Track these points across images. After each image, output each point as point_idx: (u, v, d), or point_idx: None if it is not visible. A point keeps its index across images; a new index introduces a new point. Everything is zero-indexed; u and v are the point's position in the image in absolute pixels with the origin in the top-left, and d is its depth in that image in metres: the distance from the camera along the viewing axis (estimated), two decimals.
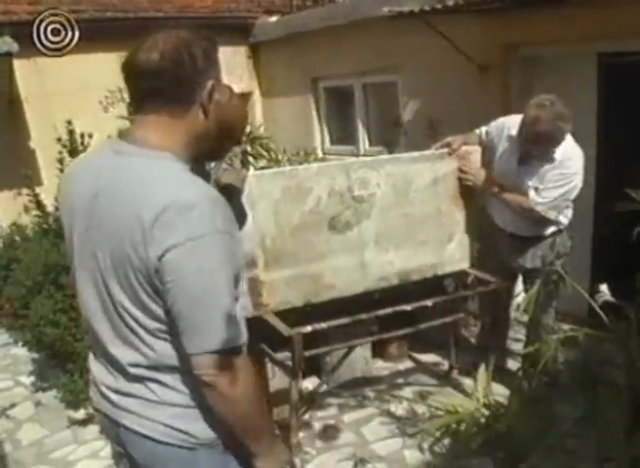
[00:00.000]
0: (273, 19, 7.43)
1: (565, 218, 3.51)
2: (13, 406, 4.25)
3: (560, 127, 3.11)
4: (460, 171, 3.54)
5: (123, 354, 1.53)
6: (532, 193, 3.34)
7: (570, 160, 3.28)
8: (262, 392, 1.57)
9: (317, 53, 6.64)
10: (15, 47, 5.36)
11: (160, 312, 1.44)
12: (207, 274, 1.39)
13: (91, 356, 1.71)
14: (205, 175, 1.60)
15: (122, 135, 1.54)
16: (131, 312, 1.47)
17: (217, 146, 1.61)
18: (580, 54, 4.35)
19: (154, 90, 1.46)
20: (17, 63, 5.78)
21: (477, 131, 3.71)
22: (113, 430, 1.62)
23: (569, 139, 3.27)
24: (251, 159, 5.00)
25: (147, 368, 1.51)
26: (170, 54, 1.44)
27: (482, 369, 2.02)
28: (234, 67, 7.40)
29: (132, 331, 1.49)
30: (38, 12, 5.24)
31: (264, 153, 5.03)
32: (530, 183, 3.35)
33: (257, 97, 7.87)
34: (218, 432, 1.55)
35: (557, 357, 1.80)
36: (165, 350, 1.49)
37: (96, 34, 5.66)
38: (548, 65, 4.63)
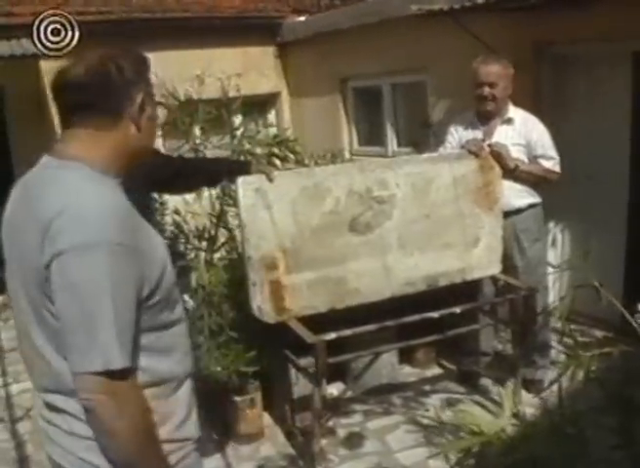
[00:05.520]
0: (301, 18, 7.38)
1: (538, 196, 3.77)
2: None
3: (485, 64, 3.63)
4: (494, 154, 3.54)
5: (35, 378, 1.49)
6: (549, 163, 3.63)
7: (532, 117, 3.69)
8: (157, 435, 1.43)
9: (346, 52, 6.56)
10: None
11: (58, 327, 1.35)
12: (90, 286, 1.29)
13: None
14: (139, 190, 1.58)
15: (49, 148, 1.50)
16: (36, 329, 1.41)
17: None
18: (614, 53, 4.25)
19: (82, 103, 1.43)
20: (43, 65, 5.79)
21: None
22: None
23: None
24: (277, 162, 4.96)
25: (54, 392, 1.43)
26: (95, 66, 1.43)
27: (509, 384, 1.93)
28: (262, 67, 7.37)
29: (38, 351, 1.43)
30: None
31: (291, 156, 4.99)
32: (514, 150, 3.56)
33: (284, 96, 7.83)
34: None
35: (589, 374, 1.71)
36: (65, 370, 1.36)
37: (124, 35, 5.66)
38: (581, 64, 4.54)
